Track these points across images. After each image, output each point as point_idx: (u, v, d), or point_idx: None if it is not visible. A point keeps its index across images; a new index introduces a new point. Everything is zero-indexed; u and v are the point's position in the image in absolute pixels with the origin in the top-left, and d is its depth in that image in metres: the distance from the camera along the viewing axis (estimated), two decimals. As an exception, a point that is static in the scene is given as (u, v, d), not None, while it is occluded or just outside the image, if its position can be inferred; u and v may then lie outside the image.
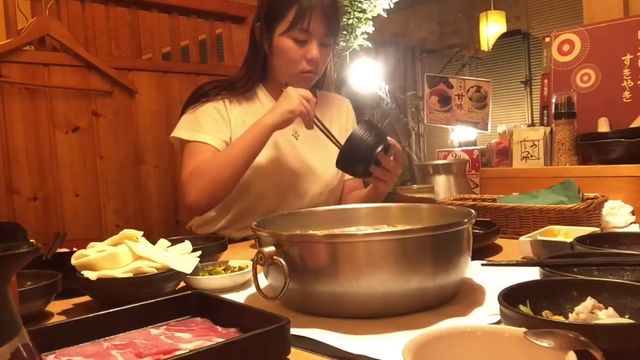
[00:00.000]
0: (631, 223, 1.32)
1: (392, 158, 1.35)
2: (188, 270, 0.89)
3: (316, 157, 1.52)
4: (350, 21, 2.46)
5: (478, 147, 2.11)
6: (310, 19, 1.39)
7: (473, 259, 0.84)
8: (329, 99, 1.69)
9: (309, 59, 1.43)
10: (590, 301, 0.59)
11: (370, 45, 2.54)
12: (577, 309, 0.59)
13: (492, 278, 0.88)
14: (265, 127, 1.34)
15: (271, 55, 1.48)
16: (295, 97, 1.33)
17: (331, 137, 1.36)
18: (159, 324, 0.71)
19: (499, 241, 1.17)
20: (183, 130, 1.46)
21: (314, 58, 1.43)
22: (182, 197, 1.42)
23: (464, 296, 0.81)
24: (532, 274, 0.79)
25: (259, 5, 1.52)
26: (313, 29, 1.41)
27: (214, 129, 1.44)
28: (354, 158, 1.28)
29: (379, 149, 1.28)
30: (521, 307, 0.60)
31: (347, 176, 1.62)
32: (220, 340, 0.62)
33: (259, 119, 1.36)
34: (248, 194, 1.47)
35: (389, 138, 1.31)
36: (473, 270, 0.88)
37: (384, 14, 2.48)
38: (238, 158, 1.35)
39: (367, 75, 2.74)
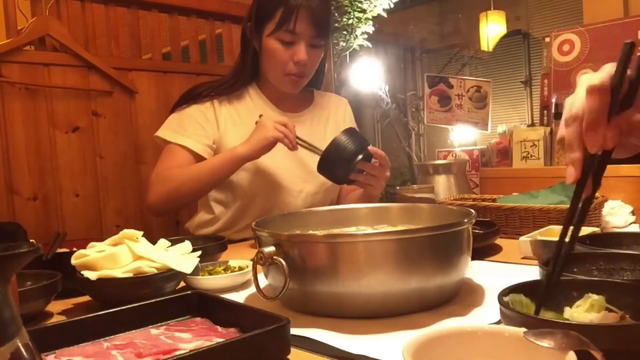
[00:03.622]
0: (631, 223, 1.32)
1: (377, 164, 1.35)
2: (188, 270, 0.89)
3: (312, 157, 1.52)
4: (350, 21, 2.46)
5: (478, 147, 2.11)
6: (297, 20, 1.38)
7: (473, 259, 0.84)
8: (325, 98, 1.69)
9: (295, 60, 1.42)
10: (592, 299, 0.59)
11: (370, 45, 2.54)
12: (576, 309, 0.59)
13: (492, 278, 0.88)
14: (236, 156, 1.34)
15: (261, 55, 1.49)
16: (269, 125, 1.32)
17: (314, 149, 1.35)
18: (159, 324, 0.71)
19: (499, 241, 1.17)
20: (167, 130, 1.47)
21: (300, 60, 1.42)
22: (145, 195, 1.46)
23: (464, 296, 0.81)
24: (532, 274, 0.79)
25: (250, 5, 1.52)
26: (300, 30, 1.39)
27: (197, 132, 1.45)
28: (334, 164, 1.30)
29: (359, 157, 1.29)
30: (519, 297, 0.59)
31: None
32: (220, 340, 0.62)
33: (233, 147, 1.35)
34: (244, 194, 1.47)
35: (370, 147, 1.32)
36: (473, 270, 0.89)
37: (384, 14, 2.48)
38: (200, 179, 1.37)
39: (367, 75, 2.74)
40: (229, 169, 1.37)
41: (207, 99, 1.49)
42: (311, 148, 1.36)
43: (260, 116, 1.38)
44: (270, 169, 1.47)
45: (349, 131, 1.31)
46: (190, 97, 1.50)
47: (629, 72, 0.57)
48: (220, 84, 1.52)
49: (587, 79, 0.58)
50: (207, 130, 1.47)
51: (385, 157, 1.35)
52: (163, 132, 1.48)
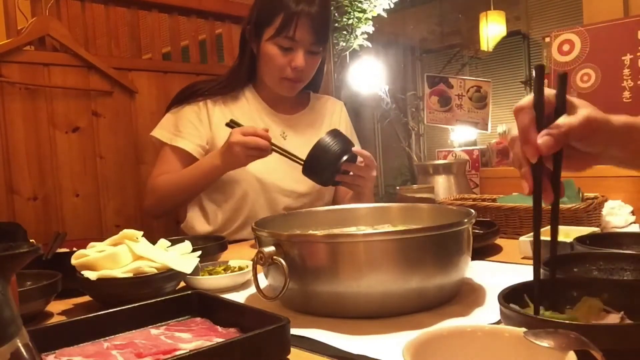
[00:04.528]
0: (631, 223, 1.32)
1: (363, 164, 1.35)
2: (188, 270, 0.89)
3: (303, 157, 1.51)
4: (350, 21, 2.46)
5: (478, 147, 2.11)
6: (297, 27, 1.38)
7: (473, 259, 0.84)
8: (321, 101, 1.69)
9: (293, 66, 1.43)
10: (589, 301, 0.59)
11: (370, 45, 2.54)
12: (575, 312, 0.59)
13: (492, 278, 0.88)
14: (217, 169, 1.38)
15: (258, 58, 1.49)
16: (239, 152, 1.29)
17: (292, 158, 1.34)
18: (159, 324, 0.71)
19: (499, 241, 1.17)
20: (163, 131, 1.51)
21: (298, 66, 1.43)
22: (143, 199, 1.53)
23: (464, 296, 0.81)
24: (532, 274, 0.79)
25: (250, 8, 1.53)
26: (299, 37, 1.40)
27: (190, 133, 1.48)
28: (318, 166, 1.30)
29: (343, 158, 1.30)
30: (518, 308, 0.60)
31: None
32: (220, 340, 0.62)
33: (215, 155, 1.37)
34: (234, 194, 1.48)
35: (354, 148, 1.33)
36: (473, 270, 0.88)
37: (384, 14, 2.48)
38: (185, 188, 1.45)
39: (367, 75, 2.74)
40: (211, 178, 1.42)
41: (201, 98, 1.51)
42: (283, 153, 1.35)
43: (229, 122, 1.36)
44: (261, 169, 1.47)
45: (332, 133, 1.32)
46: (186, 96, 1.53)
47: (552, 91, 0.64)
48: (217, 83, 1.54)
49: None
50: (200, 131, 1.49)
51: (370, 157, 1.35)
52: (159, 133, 1.51)
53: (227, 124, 1.36)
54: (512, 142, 0.66)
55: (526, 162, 0.64)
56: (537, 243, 0.64)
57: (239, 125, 1.34)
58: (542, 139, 0.61)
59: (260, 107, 1.56)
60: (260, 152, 1.31)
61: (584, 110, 0.63)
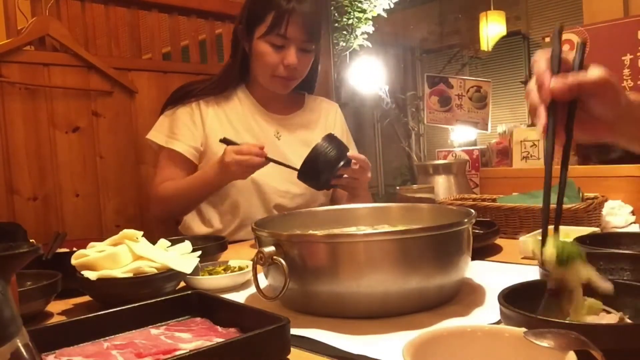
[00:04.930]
0: (631, 223, 1.32)
1: (357, 166, 1.35)
2: (188, 270, 0.89)
3: (298, 158, 1.51)
4: (350, 21, 2.46)
5: (478, 147, 2.11)
6: (288, 25, 1.38)
7: (473, 259, 0.84)
8: (316, 103, 1.69)
9: (285, 64, 1.43)
10: (589, 301, 0.59)
11: (370, 45, 2.54)
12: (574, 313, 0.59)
13: (492, 278, 0.88)
14: (218, 179, 1.40)
15: (251, 57, 1.49)
16: (236, 170, 1.32)
17: (289, 167, 1.35)
18: (159, 324, 0.71)
19: (499, 241, 1.17)
20: (159, 134, 1.52)
21: (290, 64, 1.43)
22: (146, 200, 1.58)
23: (464, 296, 0.81)
24: (532, 274, 0.79)
25: (242, 7, 1.52)
26: (291, 35, 1.40)
27: (186, 135, 1.49)
28: (315, 172, 1.31)
29: (340, 164, 1.31)
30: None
31: None
32: (220, 340, 0.62)
33: (214, 167, 1.38)
34: (229, 195, 1.48)
35: (349, 153, 1.34)
36: (473, 270, 0.88)
37: (384, 14, 2.48)
38: (190, 196, 1.48)
39: (367, 75, 2.74)
40: (214, 188, 1.44)
41: (194, 99, 1.52)
42: (279, 163, 1.36)
43: (222, 140, 1.37)
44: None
45: (327, 138, 1.32)
46: (179, 97, 1.53)
47: (572, 54, 0.68)
48: (210, 83, 1.54)
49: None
50: (194, 133, 1.50)
51: (365, 160, 1.37)
52: (155, 136, 1.52)
53: (221, 141, 1.36)
54: (528, 92, 0.70)
55: (540, 104, 0.67)
56: (545, 210, 0.63)
57: (232, 143, 1.35)
58: (554, 81, 0.64)
59: (253, 107, 1.56)
60: (256, 168, 1.33)
61: (601, 70, 0.65)
